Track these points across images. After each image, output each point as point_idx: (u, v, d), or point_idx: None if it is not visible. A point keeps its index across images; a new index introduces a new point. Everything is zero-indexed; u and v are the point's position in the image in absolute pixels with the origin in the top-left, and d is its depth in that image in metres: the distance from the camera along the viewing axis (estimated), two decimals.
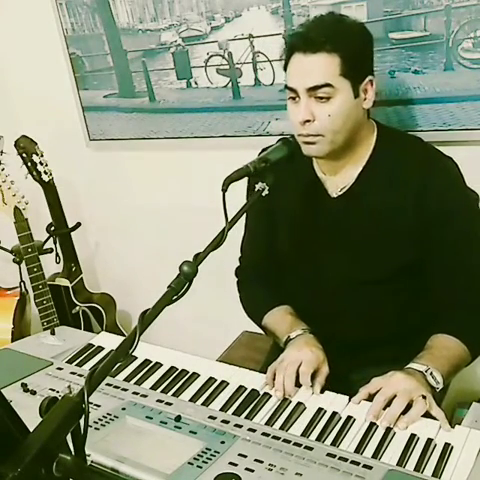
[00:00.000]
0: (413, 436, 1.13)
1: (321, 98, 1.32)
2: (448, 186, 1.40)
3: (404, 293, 1.49)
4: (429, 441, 1.11)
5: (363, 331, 1.49)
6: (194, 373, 1.38)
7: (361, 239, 1.46)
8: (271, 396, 1.28)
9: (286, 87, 1.38)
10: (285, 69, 1.39)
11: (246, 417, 1.22)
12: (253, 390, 1.31)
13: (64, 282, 2.38)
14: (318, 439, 1.14)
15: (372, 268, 1.45)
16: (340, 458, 1.06)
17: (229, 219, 1.17)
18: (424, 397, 1.19)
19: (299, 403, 1.25)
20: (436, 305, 1.46)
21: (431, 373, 1.26)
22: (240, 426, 1.17)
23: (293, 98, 1.36)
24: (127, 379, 1.38)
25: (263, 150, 1.53)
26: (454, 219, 1.40)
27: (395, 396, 1.19)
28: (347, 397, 1.25)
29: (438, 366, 1.27)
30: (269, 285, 1.63)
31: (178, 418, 1.19)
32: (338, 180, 1.47)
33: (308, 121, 1.34)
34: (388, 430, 1.15)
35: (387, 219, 1.42)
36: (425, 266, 1.45)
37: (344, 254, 1.48)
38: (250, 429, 1.16)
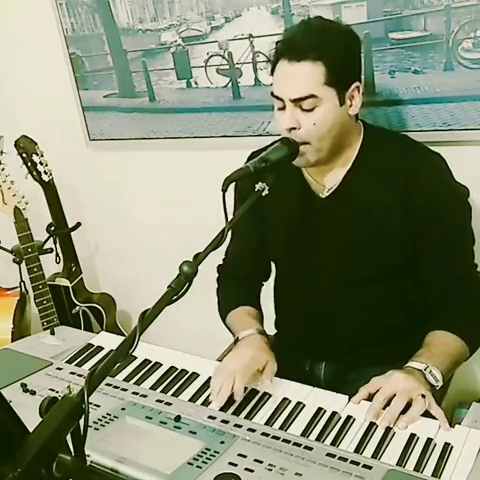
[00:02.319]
0: (413, 436, 1.13)
1: (305, 108, 1.32)
2: (435, 182, 1.40)
3: (399, 291, 1.49)
4: (429, 441, 1.11)
5: (359, 331, 1.49)
6: (194, 373, 1.39)
7: (351, 238, 1.46)
8: (271, 396, 1.28)
9: (272, 95, 1.37)
10: (272, 74, 1.39)
11: (246, 417, 1.22)
12: (252, 390, 1.31)
13: (64, 282, 2.38)
14: (318, 439, 1.14)
15: (364, 267, 1.45)
16: (340, 458, 1.06)
17: (229, 219, 1.17)
18: (423, 396, 1.19)
19: (299, 403, 1.25)
20: (431, 301, 1.46)
21: (430, 371, 1.26)
22: (240, 426, 1.17)
23: (281, 107, 1.36)
24: (127, 379, 1.38)
25: (253, 153, 1.55)
26: (443, 214, 1.40)
27: (395, 395, 1.19)
28: (347, 397, 1.25)
29: (437, 363, 1.28)
30: (245, 286, 1.65)
31: (178, 418, 1.19)
32: (326, 181, 1.48)
33: (294, 128, 1.34)
34: (388, 430, 1.15)
35: (376, 218, 1.43)
36: (418, 263, 1.45)
37: (335, 254, 1.48)
38: (250, 429, 1.16)
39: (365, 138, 1.46)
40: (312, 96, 1.31)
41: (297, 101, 1.32)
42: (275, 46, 1.37)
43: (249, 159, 1.61)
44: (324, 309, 1.51)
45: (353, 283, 1.47)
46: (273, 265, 1.68)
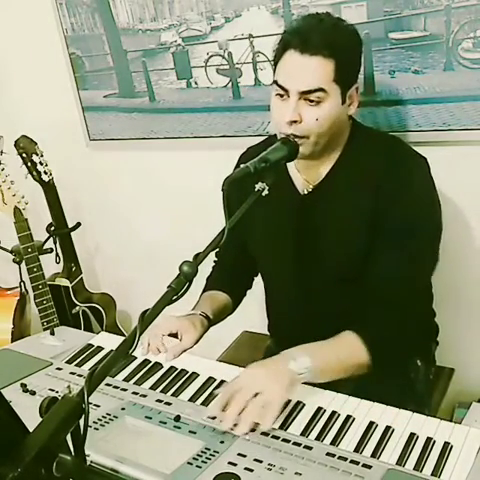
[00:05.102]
0: (412, 435, 1.13)
1: (311, 101, 1.32)
2: (408, 186, 1.38)
3: None
4: (428, 440, 1.11)
5: (345, 328, 1.46)
6: (193, 373, 1.39)
7: (329, 236, 1.46)
8: None
9: (276, 83, 1.36)
10: (275, 63, 1.38)
11: None
12: None
13: (64, 282, 2.38)
14: (317, 438, 1.14)
15: (343, 264, 1.45)
16: (339, 457, 1.06)
17: (229, 219, 1.17)
18: (256, 394, 1.16)
19: (298, 402, 1.25)
20: (367, 301, 1.41)
21: (294, 358, 1.23)
22: None
23: (281, 95, 1.35)
24: (126, 379, 1.38)
25: (248, 149, 1.59)
26: (396, 212, 1.37)
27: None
28: (347, 396, 1.25)
29: (310, 352, 1.26)
30: (226, 273, 1.70)
31: (177, 418, 1.19)
32: (310, 177, 1.48)
33: (295, 122, 1.34)
34: (387, 429, 1.15)
35: (351, 216, 1.43)
36: (369, 258, 1.41)
37: (315, 252, 1.48)
38: None
39: (350, 136, 1.46)
40: (321, 89, 1.31)
41: (305, 93, 1.32)
42: (284, 36, 1.36)
43: (243, 155, 1.62)
44: (310, 309, 1.52)
45: (335, 281, 1.47)
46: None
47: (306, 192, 1.49)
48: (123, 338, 1.00)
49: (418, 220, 1.38)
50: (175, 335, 1.45)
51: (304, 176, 1.49)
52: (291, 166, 1.50)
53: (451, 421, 1.16)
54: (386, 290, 1.37)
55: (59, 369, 1.42)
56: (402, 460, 1.07)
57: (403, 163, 1.41)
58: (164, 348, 1.42)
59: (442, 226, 1.42)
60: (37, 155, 2.20)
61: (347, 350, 1.33)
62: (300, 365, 1.23)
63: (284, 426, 1.18)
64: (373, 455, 1.08)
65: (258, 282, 1.73)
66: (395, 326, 1.37)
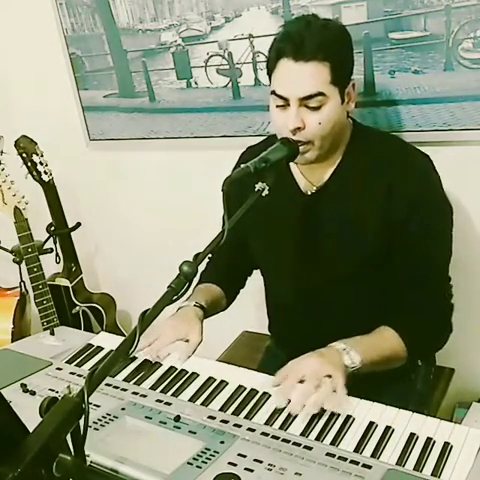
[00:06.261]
0: (412, 435, 1.13)
1: (312, 106, 1.32)
2: (418, 185, 1.40)
3: (378, 291, 1.49)
4: (428, 440, 1.11)
5: (348, 330, 1.47)
6: (193, 373, 1.38)
7: (333, 237, 1.46)
8: (270, 395, 1.28)
9: (274, 93, 1.36)
10: (270, 73, 1.38)
11: (245, 417, 1.21)
12: (252, 390, 1.30)
13: (64, 282, 2.38)
14: (317, 438, 1.14)
15: (347, 265, 1.46)
16: (339, 458, 1.06)
17: (229, 219, 1.17)
18: (329, 376, 1.21)
19: None
20: (394, 301, 1.46)
21: (348, 352, 1.28)
22: (239, 426, 1.17)
23: (282, 106, 1.35)
24: (127, 379, 1.38)
25: (248, 148, 1.60)
26: (420, 219, 1.40)
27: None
28: (346, 396, 1.25)
29: (358, 348, 1.30)
30: (220, 270, 1.69)
31: (177, 418, 1.19)
32: (313, 178, 1.48)
33: (298, 129, 1.34)
34: (387, 429, 1.15)
35: (358, 216, 1.43)
36: (390, 260, 1.45)
37: (318, 252, 1.48)
38: (249, 429, 1.16)
39: (352, 136, 1.46)
40: (321, 94, 1.31)
41: (304, 99, 1.32)
42: (275, 44, 1.36)
43: (243, 154, 1.62)
44: (311, 309, 1.52)
45: (337, 282, 1.47)
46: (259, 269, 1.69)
47: (310, 193, 1.49)
48: (123, 338, 1.00)
49: (435, 218, 1.42)
50: None
51: (307, 177, 1.49)
52: (294, 167, 1.50)
53: (451, 421, 1.16)
54: (412, 289, 1.43)
55: (59, 369, 1.42)
56: (402, 460, 1.07)
57: (413, 162, 1.42)
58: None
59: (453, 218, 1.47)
60: (37, 155, 2.20)
61: (387, 345, 1.38)
62: (352, 361, 1.29)
63: (284, 426, 1.18)
64: (373, 455, 1.08)
65: (257, 282, 1.73)
66: (423, 321, 1.42)
